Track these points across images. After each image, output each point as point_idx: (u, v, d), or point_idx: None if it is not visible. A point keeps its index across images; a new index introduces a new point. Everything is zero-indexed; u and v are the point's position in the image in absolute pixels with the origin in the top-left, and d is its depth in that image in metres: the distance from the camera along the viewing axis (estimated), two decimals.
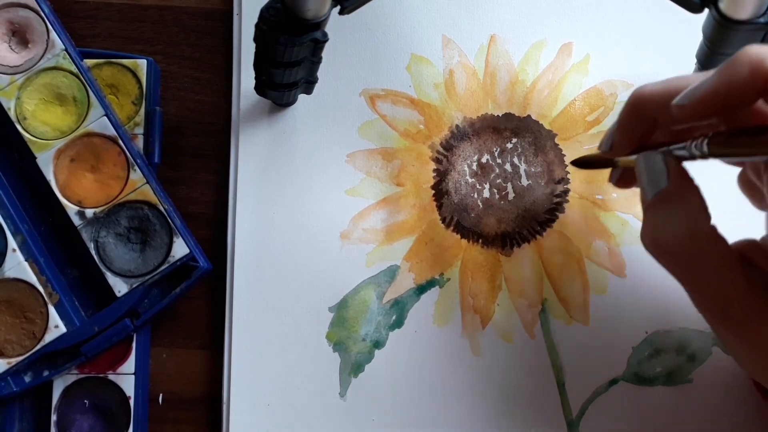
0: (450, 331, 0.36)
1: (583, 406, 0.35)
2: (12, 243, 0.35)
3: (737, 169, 0.32)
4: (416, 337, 0.36)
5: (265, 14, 0.29)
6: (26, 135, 0.36)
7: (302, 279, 0.36)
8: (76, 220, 0.35)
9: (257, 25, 0.30)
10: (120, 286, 0.35)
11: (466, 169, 0.37)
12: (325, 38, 0.31)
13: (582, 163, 0.34)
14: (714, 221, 0.27)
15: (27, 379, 0.35)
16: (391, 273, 0.36)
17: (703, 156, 0.27)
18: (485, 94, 0.38)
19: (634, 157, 0.30)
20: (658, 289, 0.36)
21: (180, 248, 0.35)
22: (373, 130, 0.38)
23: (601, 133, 0.35)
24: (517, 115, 0.38)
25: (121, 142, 0.36)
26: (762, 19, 0.28)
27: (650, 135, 0.30)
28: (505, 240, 0.37)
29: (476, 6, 0.39)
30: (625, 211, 0.37)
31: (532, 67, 0.38)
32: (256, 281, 0.36)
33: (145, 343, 0.36)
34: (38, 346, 0.35)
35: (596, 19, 0.38)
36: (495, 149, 0.37)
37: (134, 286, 0.35)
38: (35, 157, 0.36)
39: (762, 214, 0.31)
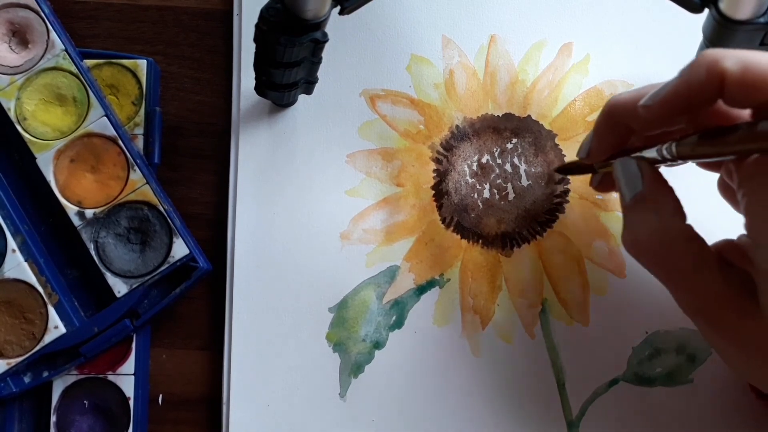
0: (450, 331, 0.36)
1: (583, 407, 0.35)
2: (12, 243, 0.35)
3: (716, 174, 0.33)
4: (416, 337, 0.36)
5: (265, 14, 0.29)
6: (26, 135, 0.36)
7: (302, 279, 0.36)
8: (76, 221, 0.35)
9: (257, 26, 0.30)
10: (120, 287, 0.35)
11: (466, 169, 0.37)
12: (325, 38, 0.31)
13: (564, 169, 0.36)
14: (697, 224, 0.28)
15: (26, 379, 0.35)
16: (391, 273, 0.36)
17: (673, 158, 0.28)
18: (485, 94, 0.38)
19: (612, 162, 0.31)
20: (658, 290, 0.36)
21: (180, 249, 0.35)
22: (373, 131, 0.38)
23: None
24: (517, 115, 0.38)
25: (120, 142, 0.36)
26: (762, 19, 0.28)
27: (625, 141, 0.31)
28: (505, 240, 0.37)
29: (476, 6, 0.39)
30: None
31: (532, 67, 0.38)
32: (256, 281, 0.36)
33: (144, 344, 0.36)
34: (38, 347, 0.35)
35: (596, 19, 0.38)
36: (495, 149, 0.37)
37: (134, 286, 0.35)
38: (35, 158, 0.36)
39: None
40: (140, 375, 0.35)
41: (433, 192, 0.37)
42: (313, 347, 0.36)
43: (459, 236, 0.37)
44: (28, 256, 0.36)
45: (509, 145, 0.37)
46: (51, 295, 0.35)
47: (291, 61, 0.31)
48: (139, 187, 0.36)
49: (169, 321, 0.37)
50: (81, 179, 0.36)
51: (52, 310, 0.35)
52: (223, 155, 0.38)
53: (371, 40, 0.38)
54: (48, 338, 0.35)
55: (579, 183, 0.37)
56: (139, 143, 0.37)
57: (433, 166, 0.37)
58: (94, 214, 0.36)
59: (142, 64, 0.37)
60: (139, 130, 0.37)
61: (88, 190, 0.36)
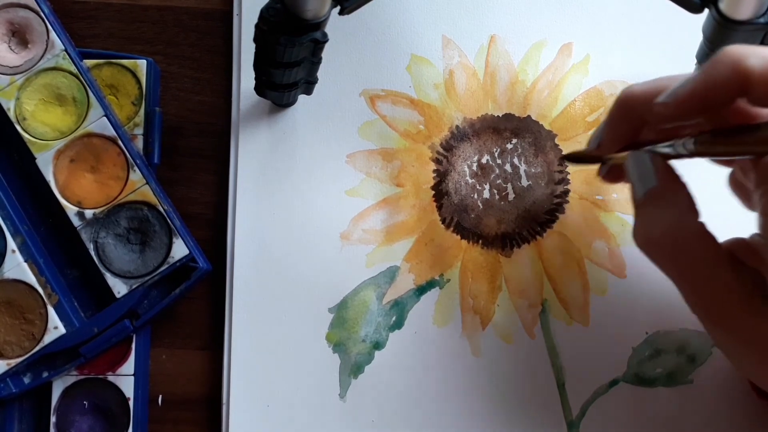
0: (450, 331, 0.36)
1: (583, 407, 0.35)
2: (11, 244, 0.35)
3: (728, 170, 0.32)
4: (416, 338, 0.36)
5: (265, 14, 0.29)
6: (26, 135, 0.36)
7: (302, 280, 0.36)
8: (76, 221, 0.35)
9: (257, 26, 0.30)
10: (119, 287, 0.35)
11: (466, 169, 0.37)
12: (325, 39, 0.31)
13: (573, 158, 0.35)
14: (707, 221, 0.28)
15: (26, 380, 0.35)
16: (391, 274, 0.36)
17: (690, 155, 0.27)
18: (485, 94, 0.38)
19: (623, 154, 0.30)
20: (659, 290, 0.36)
21: (179, 249, 0.35)
22: (373, 131, 0.38)
23: None
24: (517, 115, 0.38)
25: (120, 142, 0.36)
26: (762, 20, 0.28)
27: (637, 134, 0.30)
28: (505, 241, 0.37)
29: (476, 6, 0.38)
30: (625, 211, 0.37)
31: (532, 68, 0.38)
32: (256, 282, 0.36)
33: (144, 344, 0.36)
34: (37, 347, 0.35)
35: (596, 19, 0.38)
36: (495, 150, 0.37)
37: (134, 287, 0.35)
38: (35, 158, 0.36)
39: (754, 214, 0.31)
40: (140, 375, 0.35)
41: (433, 192, 0.37)
42: (313, 347, 0.36)
43: (459, 236, 0.37)
44: (28, 257, 0.36)
45: (509, 146, 0.37)
46: (51, 295, 0.35)
47: (291, 61, 0.31)
48: (139, 187, 0.36)
49: (169, 321, 0.37)
50: (81, 179, 0.36)
51: (51, 311, 0.35)
52: (223, 155, 0.38)
53: (371, 40, 0.38)
54: (48, 339, 0.35)
55: (579, 183, 0.37)
56: (139, 143, 0.37)
57: (433, 166, 0.37)
58: (94, 214, 0.36)
59: (141, 64, 0.37)
60: (139, 130, 0.37)
61: (88, 191, 0.36)
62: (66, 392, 0.35)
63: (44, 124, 0.36)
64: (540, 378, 0.36)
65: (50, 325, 0.35)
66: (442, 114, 0.38)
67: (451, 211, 0.37)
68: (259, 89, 0.35)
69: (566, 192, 0.37)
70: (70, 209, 0.35)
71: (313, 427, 0.35)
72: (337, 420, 0.35)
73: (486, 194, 0.37)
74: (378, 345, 0.36)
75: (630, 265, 0.36)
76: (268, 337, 0.36)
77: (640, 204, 0.29)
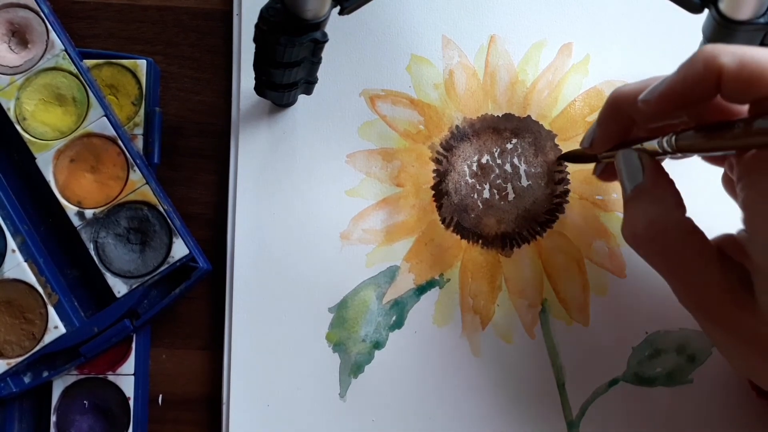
0: (450, 331, 0.36)
1: (583, 407, 0.35)
2: (11, 244, 0.35)
3: (720, 169, 0.33)
4: (416, 337, 0.36)
5: (264, 14, 0.29)
6: (26, 135, 0.36)
7: (302, 279, 0.36)
8: (76, 221, 0.35)
9: (257, 26, 0.30)
10: (119, 287, 0.35)
11: (466, 169, 0.37)
12: (324, 39, 0.31)
13: (567, 157, 0.36)
14: (699, 218, 0.28)
15: (26, 379, 0.35)
16: (391, 273, 0.36)
17: (672, 151, 0.28)
18: (485, 94, 0.38)
19: (616, 152, 0.31)
20: (658, 290, 0.36)
21: (179, 249, 0.35)
22: (373, 131, 0.38)
23: None
24: (517, 115, 0.38)
25: (120, 142, 0.36)
26: (762, 20, 0.28)
27: (628, 133, 0.31)
28: (505, 240, 0.37)
29: (476, 6, 0.38)
30: None
31: (532, 68, 0.38)
32: (256, 281, 0.36)
33: (144, 344, 0.36)
34: (38, 347, 0.35)
35: (596, 19, 0.38)
36: (495, 150, 0.37)
37: (134, 286, 0.35)
38: (35, 158, 0.36)
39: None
40: (140, 375, 0.35)
41: (433, 192, 0.37)
42: (313, 347, 0.36)
43: (459, 236, 0.37)
44: (28, 257, 0.36)
45: (509, 146, 0.37)
46: (51, 295, 0.35)
47: (291, 61, 0.31)
48: (139, 187, 0.36)
49: (169, 321, 0.37)
50: (81, 179, 0.36)
51: (51, 310, 0.35)
52: (223, 155, 0.38)
53: (371, 40, 0.38)
54: (48, 338, 0.35)
55: (579, 183, 0.37)
56: (139, 143, 0.37)
57: (432, 166, 0.37)
58: (94, 214, 0.36)
59: (141, 64, 0.37)
60: (139, 130, 0.37)
61: (88, 191, 0.36)
62: (66, 392, 0.35)
63: (44, 124, 0.36)
64: (540, 378, 0.36)
65: (50, 324, 0.35)
66: (442, 114, 0.38)
67: (451, 211, 0.37)
68: (259, 89, 0.35)
69: (566, 192, 0.37)
70: (70, 209, 0.36)
71: (313, 427, 0.35)
72: (337, 420, 0.35)
73: (486, 194, 0.37)
74: (378, 345, 0.36)
75: (630, 265, 0.36)
76: (268, 337, 0.36)
77: (628, 199, 0.30)
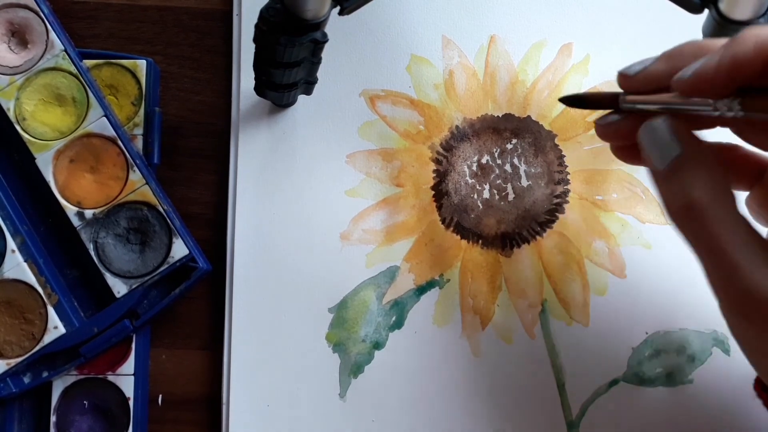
0: (450, 331, 0.36)
1: (583, 407, 0.35)
2: (11, 244, 0.35)
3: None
4: (416, 338, 0.36)
5: (264, 15, 0.29)
6: (25, 136, 0.36)
7: (302, 280, 0.36)
8: (76, 221, 0.35)
9: (257, 26, 0.30)
10: (119, 287, 0.35)
11: (466, 169, 0.37)
12: (324, 39, 0.31)
13: (574, 100, 0.31)
14: None
15: (26, 380, 0.35)
16: (391, 274, 0.36)
17: (733, 115, 0.25)
18: (485, 94, 0.38)
19: (647, 106, 0.28)
20: (658, 290, 0.36)
21: (179, 249, 0.35)
22: (373, 131, 0.38)
23: None
24: (517, 115, 0.38)
25: (120, 142, 0.36)
26: (762, 20, 0.28)
27: (666, 85, 0.28)
28: (505, 241, 0.37)
29: (476, 6, 0.38)
30: (625, 211, 0.37)
31: (532, 68, 0.38)
32: (256, 282, 0.36)
33: (144, 344, 0.36)
34: (37, 347, 0.35)
35: (596, 19, 0.38)
36: (495, 150, 0.37)
37: (133, 286, 0.35)
38: (34, 158, 0.36)
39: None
40: (140, 375, 0.35)
41: (433, 192, 0.37)
42: (313, 347, 0.36)
43: (459, 236, 0.37)
44: (28, 257, 0.36)
45: (509, 146, 0.37)
46: (50, 295, 0.35)
47: (291, 61, 0.31)
48: (139, 187, 0.36)
49: (169, 321, 0.37)
50: (80, 179, 0.36)
51: (51, 311, 0.35)
52: (223, 155, 0.38)
53: (371, 40, 0.38)
54: (48, 338, 0.35)
55: (579, 183, 0.37)
56: (139, 143, 0.37)
57: (432, 166, 0.37)
58: (94, 214, 0.35)
59: (141, 65, 0.37)
60: (139, 131, 0.37)
61: (88, 191, 0.36)
62: (66, 392, 0.35)
63: (44, 124, 0.36)
64: (540, 378, 0.36)
65: (50, 324, 0.35)
66: (442, 114, 0.38)
67: (451, 211, 0.37)
68: (259, 89, 0.35)
69: (566, 192, 0.37)
70: (70, 209, 0.35)
71: (313, 427, 0.35)
72: (337, 420, 0.35)
73: (486, 194, 0.37)
74: (378, 345, 0.36)
75: (630, 265, 0.36)
76: (268, 337, 0.36)
77: (665, 175, 0.26)
